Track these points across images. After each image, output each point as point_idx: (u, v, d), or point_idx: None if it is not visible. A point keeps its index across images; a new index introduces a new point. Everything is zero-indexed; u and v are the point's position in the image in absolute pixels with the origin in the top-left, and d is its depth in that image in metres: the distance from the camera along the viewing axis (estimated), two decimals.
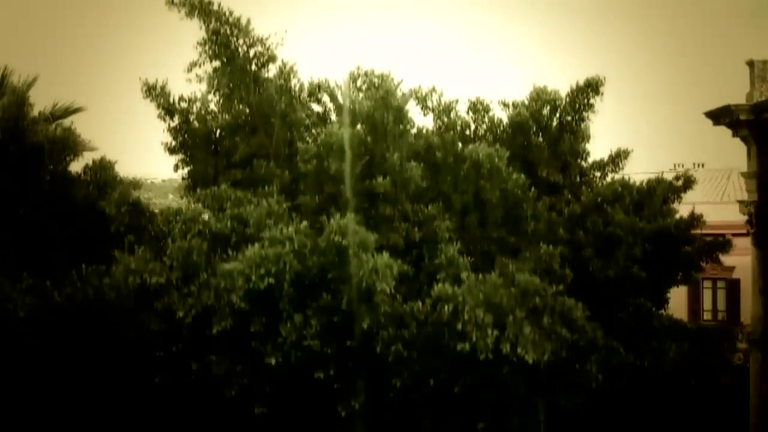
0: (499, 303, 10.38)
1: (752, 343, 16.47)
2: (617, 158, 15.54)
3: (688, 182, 15.62)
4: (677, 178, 15.81)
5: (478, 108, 14.29)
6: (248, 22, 13.02)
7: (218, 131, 13.51)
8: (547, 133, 13.99)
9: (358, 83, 14.23)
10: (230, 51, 12.89)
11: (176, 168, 14.13)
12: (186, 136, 13.84)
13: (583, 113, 14.42)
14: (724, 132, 15.80)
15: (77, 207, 12.79)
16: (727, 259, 26.12)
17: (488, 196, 12.28)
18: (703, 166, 33.51)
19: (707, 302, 26.81)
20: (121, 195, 12.92)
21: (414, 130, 13.87)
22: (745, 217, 17.22)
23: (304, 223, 11.36)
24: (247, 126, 13.20)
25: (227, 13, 12.98)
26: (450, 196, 12.55)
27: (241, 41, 13.00)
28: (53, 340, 11.29)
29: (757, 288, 16.59)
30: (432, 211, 12.20)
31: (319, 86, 13.97)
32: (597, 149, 15.34)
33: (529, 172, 13.21)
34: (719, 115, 15.41)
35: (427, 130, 13.50)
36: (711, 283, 26.64)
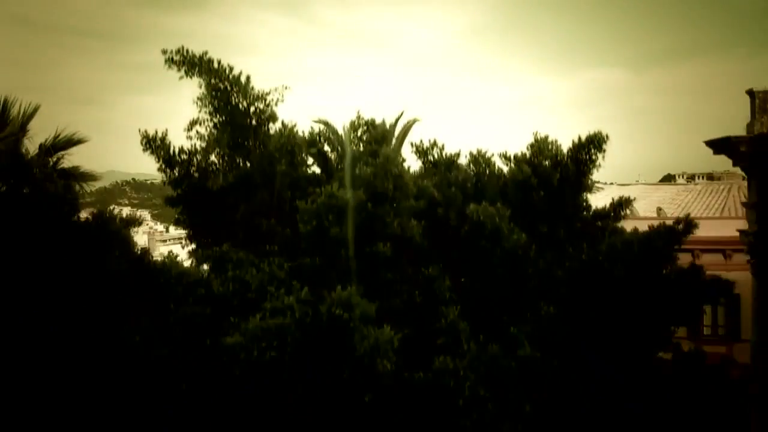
0: (500, 377, 10.47)
1: (752, 381, 16.64)
2: (618, 207, 15.51)
3: (689, 227, 15.60)
4: (678, 223, 15.79)
5: (479, 161, 14.21)
6: (248, 79, 12.95)
7: (219, 187, 13.47)
8: (549, 189, 13.94)
9: (359, 132, 14.20)
10: (230, 108, 12.84)
11: (177, 222, 14.12)
12: (186, 188, 13.83)
13: (586, 168, 14.35)
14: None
15: (79, 265, 12.77)
16: (727, 275, 26.32)
17: (489, 256, 12.31)
18: (704, 177, 33.47)
19: (707, 318, 26.86)
20: (123, 253, 12.93)
21: (415, 176, 13.86)
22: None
23: (305, 290, 11.40)
24: (248, 183, 13.18)
25: (227, 70, 12.91)
26: (451, 255, 12.58)
27: (241, 98, 12.93)
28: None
29: (756, 316, 16.71)
30: (433, 272, 12.23)
31: (320, 135, 13.87)
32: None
33: (531, 227, 13.17)
34: (720, 146, 15.36)
35: (428, 185, 13.36)
36: (710, 298, 26.67)
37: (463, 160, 14.40)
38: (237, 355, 10.63)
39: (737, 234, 26.48)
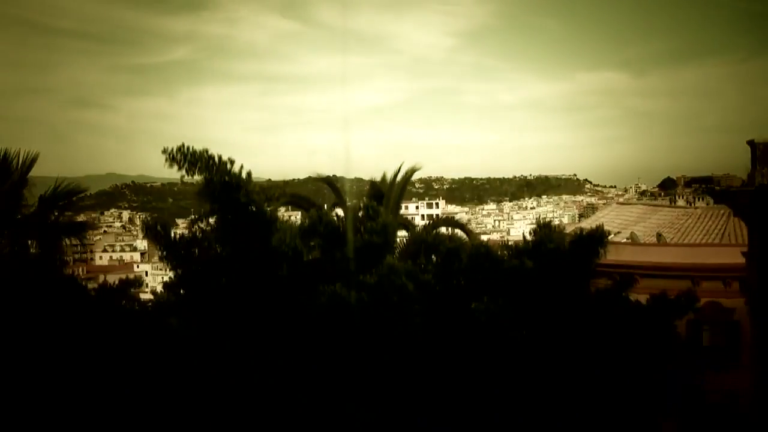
0: None
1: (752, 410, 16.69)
2: (623, 284, 15.43)
3: (691, 300, 15.39)
4: (680, 296, 15.64)
5: (481, 252, 13.80)
6: (249, 174, 12.93)
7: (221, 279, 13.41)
8: (552, 281, 13.57)
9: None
10: (230, 203, 12.77)
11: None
12: (187, 273, 13.85)
13: (588, 261, 14.08)
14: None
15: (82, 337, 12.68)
16: (727, 302, 26.36)
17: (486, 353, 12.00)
18: (704, 199, 33.48)
19: (707, 344, 26.89)
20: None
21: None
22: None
23: None
24: (250, 275, 13.09)
25: (227, 165, 12.87)
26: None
27: (242, 194, 12.85)
28: None
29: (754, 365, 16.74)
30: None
31: (320, 218, 13.73)
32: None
33: (529, 319, 12.90)
34: (721, 196, 15.42)
35: (429, 278, 13.26)
36: (710, 324, 26.74)
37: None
38: None
39: (737, 261, 26.58)
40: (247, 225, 11.46)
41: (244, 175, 12.60)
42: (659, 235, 28.02)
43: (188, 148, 12.72)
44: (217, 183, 12.05)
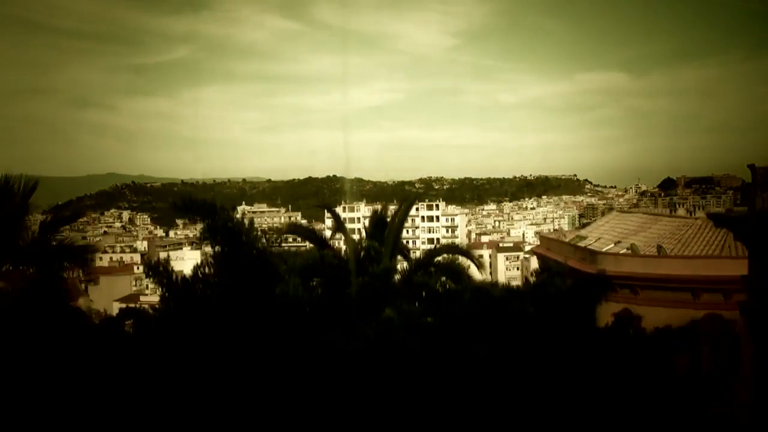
0: None
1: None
2: (626, 323, 15.35)
3: (693, 336, 15.30)
4: (683, 329, 15.60)
5: (482, 293, 13.71)
6: (252, 221, 12.99)
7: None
8: (551, 326, 13.47)
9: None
10: (232, 247, 12.78)
11: None
12: (186, 316, 13.87)
13: (590, 307, 13.99)
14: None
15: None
16: (727, 314, 26.36)
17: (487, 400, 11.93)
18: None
19: (707, 356, 26.85)
20: None
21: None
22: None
23: None
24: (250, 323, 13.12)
25: (229, 212, 12.94)
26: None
27: (243, 238, 12.87)
28: None
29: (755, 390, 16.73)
30: None
31: (323, 258, 13.70)
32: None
33: (531, 364, 12.79)
34: (721, 221, 15.44)
35: (431, 320, 13.11)
36: (710, 338, 26.73)
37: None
38: None
39: (737, 273, 26.51)
40: (249, 270, 11.45)
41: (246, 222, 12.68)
42: (660, 247, 28.00)
43: (191, 198, 12.84)
44: (220, 227, 12.06)
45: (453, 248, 20.08)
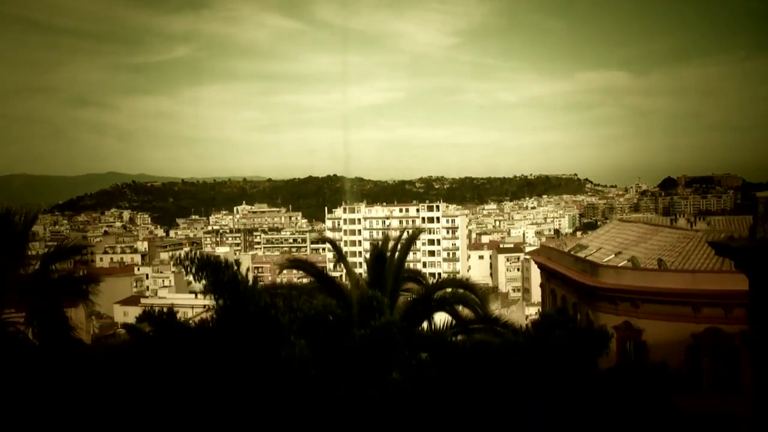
0: None
1: None
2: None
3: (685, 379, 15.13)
4: (678, 371, 15.55)
5: (485, 347, 13.55)
6: (255, 281, 13.05)
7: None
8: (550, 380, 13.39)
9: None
10: (234, 299, 12.78)
11: None
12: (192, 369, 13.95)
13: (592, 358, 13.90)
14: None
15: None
16: (728, 328, 26.37)
17: None
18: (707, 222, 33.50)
19: (707, 370, 26.86)
20: None
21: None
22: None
23: None
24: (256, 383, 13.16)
25: (233, 267, 12.93)
26: None
27: (241, 287, 12.86)
28: None
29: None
30: None
31: (327, 308, 13.66)
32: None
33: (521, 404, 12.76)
34: (723, 250, 15.41)
35: (431, 374, 13.02)
36: (710, 350, 26.76)
37: None
38: None
39: (737, 288, 26.44)
40: (253, 327, 11.44)
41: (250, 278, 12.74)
42: (660, 261, 28.01)
43: (196, 254, 12.88)
44: (225, 283, 12.09)
45: (457, 282, 19.87)
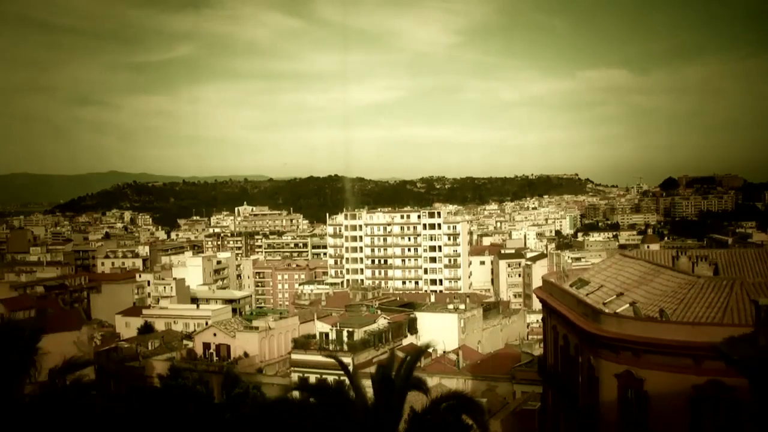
0: None
1: None
2: None
3: None
4: None
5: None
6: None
7: None
8: None
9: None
10: None
11: None
12: None
13: None
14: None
15: None
16: (729, 380, 26.39)
17: None
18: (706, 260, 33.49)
19: (709, 422, 26.83)
20: None
21: None
22: None
23: None
24: None
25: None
26: None
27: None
28: None
29: None
30: None
31: (340, 387, 13.81)
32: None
33: None
34: (725, 356, 15.37)
35: None
36: (712, 402, 26.73)
37: None
38: None
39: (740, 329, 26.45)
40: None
41: None
42: (662, 312, 28.05)
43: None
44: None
45: (459, 397, 19.82)
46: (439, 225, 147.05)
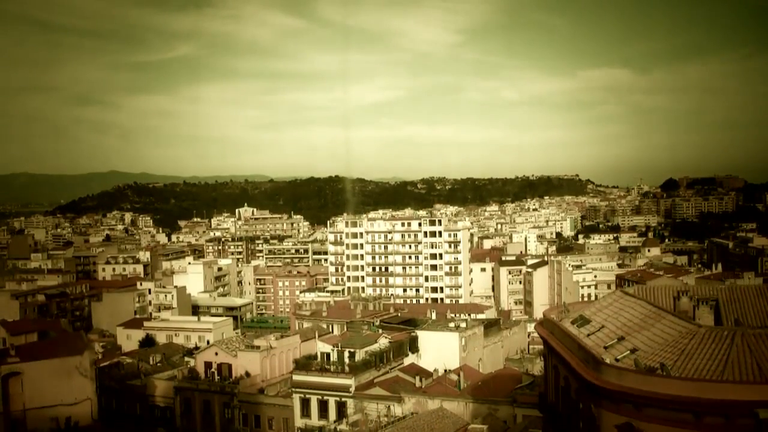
0: None
1: None
2: None
3: None
4: None
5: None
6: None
7: None
8: None
9: None
10: None
11: None
12: None
13: None
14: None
15: None
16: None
17: None
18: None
19: None
20: None
21: None
22: None
23: None
24: None
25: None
26: None
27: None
28: None
29: None
30: None
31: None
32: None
33: None
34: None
35: None
36: None
37: None
38: None
39: (740, 398, 26.52)
40: None
41: None
42: (663, 366, 28.15)
43: None
44: None
45: None
46: (440, 233, 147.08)
